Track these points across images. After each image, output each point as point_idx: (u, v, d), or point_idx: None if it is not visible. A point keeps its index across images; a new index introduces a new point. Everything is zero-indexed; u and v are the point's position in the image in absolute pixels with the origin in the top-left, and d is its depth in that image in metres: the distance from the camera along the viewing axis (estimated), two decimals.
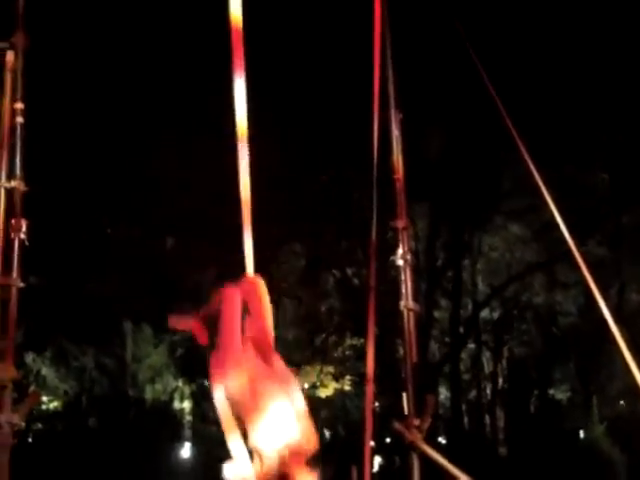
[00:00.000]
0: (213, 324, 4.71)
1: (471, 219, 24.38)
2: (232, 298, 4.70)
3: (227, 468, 4.50)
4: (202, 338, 4.95)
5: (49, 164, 17.93)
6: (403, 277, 4.69)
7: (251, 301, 4.76)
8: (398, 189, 4.88)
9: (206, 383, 28.87)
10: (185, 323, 4.94)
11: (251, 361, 4.61)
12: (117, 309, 25.26)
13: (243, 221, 4.91)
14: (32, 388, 24.53)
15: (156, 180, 20.25)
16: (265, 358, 4.70)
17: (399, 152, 5.37)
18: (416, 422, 4.32)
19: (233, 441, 4.47)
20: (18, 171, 5.52)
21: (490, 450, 27.30)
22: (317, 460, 4.79)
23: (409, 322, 4.61)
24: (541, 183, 5.73)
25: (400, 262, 4.70)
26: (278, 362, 4.79)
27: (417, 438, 4.29)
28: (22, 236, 5.39)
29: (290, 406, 4.67)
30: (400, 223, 4.77)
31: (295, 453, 4.58)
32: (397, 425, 4.36)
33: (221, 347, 4.56)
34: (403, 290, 4.67)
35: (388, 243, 4.99)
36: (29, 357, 27.22)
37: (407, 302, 4.63)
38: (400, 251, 4.73)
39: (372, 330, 5.21)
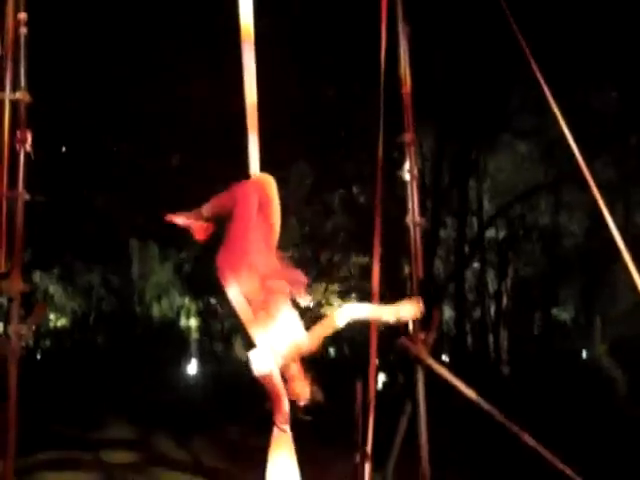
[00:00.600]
0: (223, 222, 4.66)
1: (478, 138, 24.21)
2: (248, 196, 4.63)
3: (253, 356, 4.52)
4: (199, 234, 4.89)
5: (53, 79, 17.81)
6: (409, 191, 4.64)
7: (260, 201, 4.69)
8: (405, 103, 4.81)
9: (212, 301, 29.15)
10: (182, 219, 4.87)
11: (263, 262, 4.59)
12: (123, 227, 25.30)
13: (248, 124, 4.85)
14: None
15: (161, 96, 20.06)
16: (272, 259, 4.69)
17: (407, 65, 5.27)
18: (421, 336, 4.32)
19: (254, 332, 4.48)
20: (22, 82, 5.47)
21: (493, 369, 27.56)
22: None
23: (415, 236, 4.59)
24: (551, 98, 5.65)
25: (407, 177, 4.64)
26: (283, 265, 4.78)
27: (422, 352, 4.31)
28: (28, 148, 5.36)
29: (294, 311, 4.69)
30: (407, 137, 4.71)
31: (296, 358, 4.62)
32: (402, 339, 4.38)
33: (235, 247, 4.52)
34: (409, 205, 4.62)
35: (394, 161, 4.93)
36: (36, 275, 27.40)
37: (413, 217, 4.60)
38: (407, 165, 4.68)
39: (378, 244, 5.19)
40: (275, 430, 4.68)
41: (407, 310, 4.63)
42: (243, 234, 4.53)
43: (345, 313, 4.68)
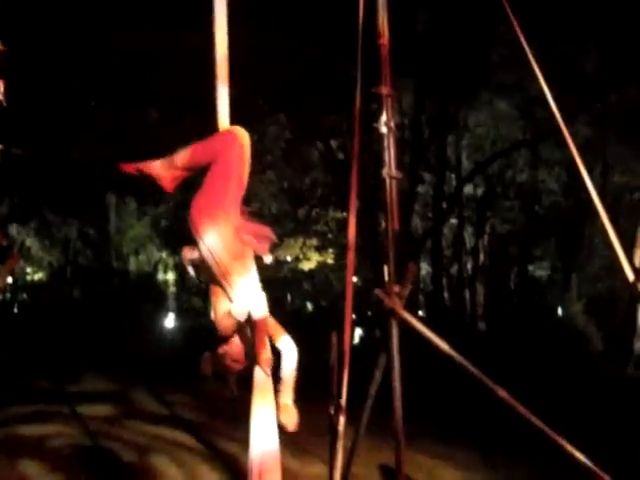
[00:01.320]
0: (201, 169, 4.59)
1: (458, 94, 24.12)
2: (231, 148, 4.58)
3: (252, 298, 4.47)
4: (169, 185, 4.79)
5: (30, 30, 17.59)
6: (386, 144, 4.62)
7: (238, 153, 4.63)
8: (383, 55, 4.77)
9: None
10: (144, 168, 4.74)
11: (236, 214, 4.55)
12: (101, 181, 25.16)
13: (218, 76, 4.79)
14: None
15: (140, 50, 19.85)
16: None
17: (384, 16, 5.22)
18: (396, 289, 4.34)
19: (236, 278, 4.43)
20: None
21: (469, 324, 27.79)
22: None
23: (391, 189, 4.57)
24: (531, 56, 5.64)
25: (383, 129, 4.62)
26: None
27: (397, 305, 4.32)
28: (0, 97, 5.28)
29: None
30: (384, 89, 4.68)
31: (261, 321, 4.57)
32: (377, 291, 4.39)
33: (214, 198, 4.47)
34: (386, 158, 4.61)
35: (373, 115, 4.91)
36: (13, 228, 27.28)
37: (390, 170, 4.57)
38: (384, 118, 4.66)
39: (354, 197, 5.19)
40: (257, 378, 4.64)
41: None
42: (223, 186, 4.49)
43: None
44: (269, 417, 4.60)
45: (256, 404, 4.61)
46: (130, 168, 4.63)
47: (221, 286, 4.42)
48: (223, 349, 4.57)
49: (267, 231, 4.66)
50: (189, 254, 4.54)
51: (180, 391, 12.55)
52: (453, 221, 30.08)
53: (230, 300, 4.41)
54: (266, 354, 4.57)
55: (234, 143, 4.58)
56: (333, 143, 24.74)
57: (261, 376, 4.62)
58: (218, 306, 4.46)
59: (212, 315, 4.52)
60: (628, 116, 22.31)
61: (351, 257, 5.31)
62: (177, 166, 4.59)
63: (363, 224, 19.36)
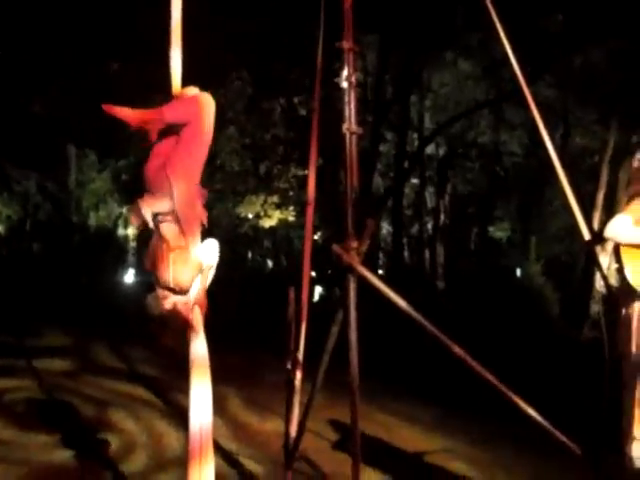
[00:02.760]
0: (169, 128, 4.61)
1: (422, 54, 24.07)
2: (206, 109, 4.61)
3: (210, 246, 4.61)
4: (155, 136, 4.77)
5: None
6: (347, 99, 4.60)
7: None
8: (345, 9, 4.74)
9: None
10: (124, 113, 4.70)
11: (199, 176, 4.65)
12: (61, 133, 24.87)
13: (172, 39, 4.76)
14: None
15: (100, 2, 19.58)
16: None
17: None
18: (354, 245, 4.34)
19: (196, 232, 4.55)
20: None
21: (429, 284, 27.97)
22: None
23: (351, 145, 4.55)
24: (495, 17, 5.62)
25: (344, 84, 4.60)
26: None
27: (355, 260, 4.32)
28: None
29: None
30: (346, 44, 4.65)
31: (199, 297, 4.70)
32: (335, 247, 4.39)
33: (188, 156, 4.53)
34: (346, 113, 4.59)
35: (335, 71, 4.88)
36: None
37: (350, 125, 4.55)
38: (345, 73, 4.63)
39: (314, 153, 5.18)
40: (195, 352, 4.74)
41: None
42: (196, 149, 4.55)
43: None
44: (206, 391, 4.69)
45: (195, 378, 4.70)
46: (117, 111, 4.57)
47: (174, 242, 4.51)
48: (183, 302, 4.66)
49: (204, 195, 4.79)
50: (148, 206, 4.56)
51: (139, 346, 12.53)
52: (414, 181, 30.19)
53: (187, 254, 4.50)
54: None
55: (208, 109, 4.59)
56: (296, 99, 24.63)
57: (199, 351, 4.70)
58: (177, 260, 4.51)
59: (159, 270, 4.58)
60: (590, 79, 22.39)
61: (310, 213, 5.32)
62: (164, 120, 4.58)
63: (324, 181, 19.41)
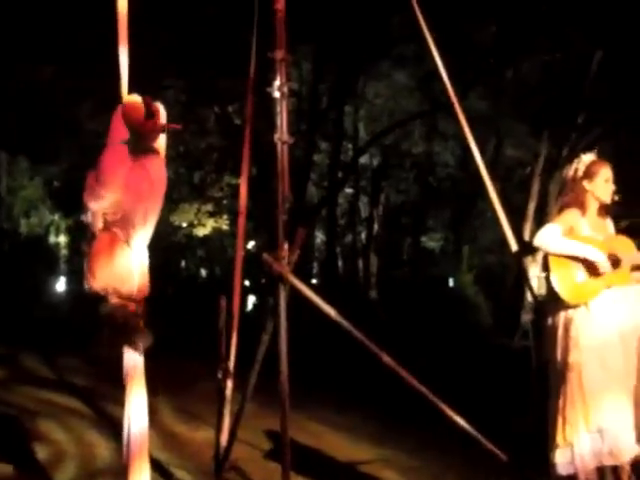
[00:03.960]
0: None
1: (357, 64, 24.18)
2: (124, 114, 4.64)
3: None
4: None
5: None
6: (279, 109, 4.64)
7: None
8: (278, 19, 4.77)
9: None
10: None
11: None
12: None
13: (119, 36, 4.76)
14: None
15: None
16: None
17: None
18: (285, 254, 4.37)
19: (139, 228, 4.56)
20: None
21: (362, 293, 28.08)
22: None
23: (282, 155, 4.59)
24: (426, 29, 5.70)
25: (276, 94, 4.63)
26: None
27: (285, 270, 4.35)
28: None
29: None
30: (279, 54, 4.68)
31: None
32: (265, 256, 4.41)
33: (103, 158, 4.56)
34: (278, 123, 4.63)
35: (269, 81, 4.91)
36: None
37: (281, 134, 4.59)
38: (277, 82, 4.67)
39: (247, 162, 5.21)
40: (130, 361, 4.74)
41: None
42: (108, 152, 4.60)
43: None
44: (143, 400, 4.69)
45: (132, 387, 4.69)
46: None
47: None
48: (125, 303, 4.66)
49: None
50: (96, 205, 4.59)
51: (70, 355, 12.39)
52: (348, 190, 30.29)
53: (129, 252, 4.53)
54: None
55: (125, 116, 4.63)
56: (230, 108, 24.55)
57: (136, 360, 4.70)
58: (126, 256, 4.54)
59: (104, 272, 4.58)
60: (522, 92, 22.74)
61: (242, 222, 5.34)
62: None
63: (258, 191, 19.36)
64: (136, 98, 4.71)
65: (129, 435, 4.65)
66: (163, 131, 4.81)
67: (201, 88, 23.03)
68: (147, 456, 4.70)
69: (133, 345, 4.64)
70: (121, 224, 4.57)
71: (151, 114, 4.64)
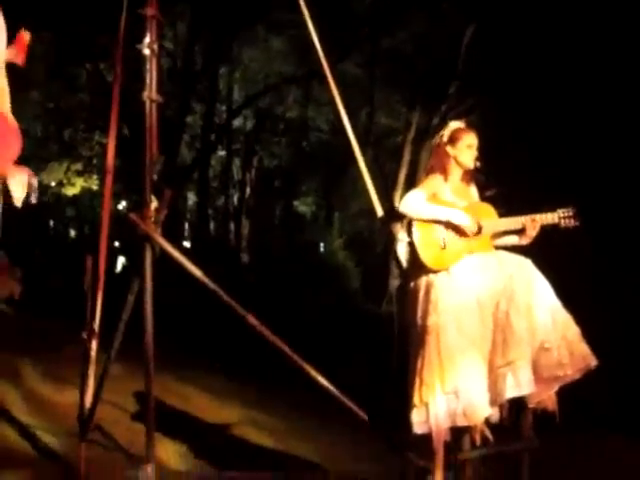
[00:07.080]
0: None
1: (233, 27, 23.97)
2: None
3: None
4: None
5: None
6: (148, 67, 4.57)
7: None
8: None
9: None
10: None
11: None
12: None
13: None
14: None
15: None
16: None
17: None
18: (151, 213, 4.34)
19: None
20: None
21: (233, 256, 28.06)
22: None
23: (151, 113, 4.54)
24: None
25: (146, 51, 4.56)
26: None
27: (152, 229, 4.32)
28: None
29: None
30: (149, 11, 4.61)
31: None
32: (131, 215, 4.37)
33: None
34: (147, 81, 4.57)
35: (141, 38, 4.81)
36: None
37: (150, 93, 4.54)
38: (147, 40, 4.59)
39: (115, 118, 5.13)
40: None
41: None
42: None
43: None
44: None
45: None
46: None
47: None
48: None
49: None
50: None
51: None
52: (221, 153, 30.13)
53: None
54: None
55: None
56: (102, 65, 24.01)
57: None
58: None
59: None
60: (396, 61, 22.99)
61: (109, 181, 5.26)
62: None
63: (130, 150, 19.06)
64: None
65: None
66: None
67: (72, 44, 22.43)
68: None
69: None
70: None
71: None
